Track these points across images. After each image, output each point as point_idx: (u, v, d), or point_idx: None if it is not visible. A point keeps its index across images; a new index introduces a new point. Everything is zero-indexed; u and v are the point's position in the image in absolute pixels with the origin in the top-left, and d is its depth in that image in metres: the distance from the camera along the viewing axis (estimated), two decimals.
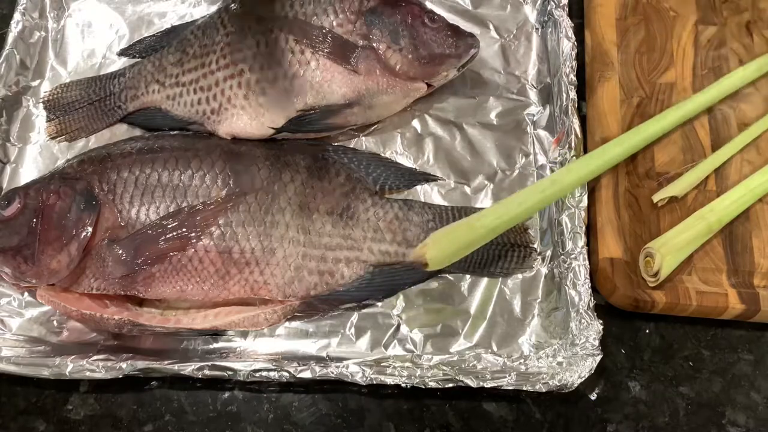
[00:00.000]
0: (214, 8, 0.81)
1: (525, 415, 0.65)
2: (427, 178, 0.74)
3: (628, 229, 0.70)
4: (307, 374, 0.63)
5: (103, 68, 0.81)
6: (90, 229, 0.64)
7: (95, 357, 0.64)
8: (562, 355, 0.65)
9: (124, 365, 0.63)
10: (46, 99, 0.78)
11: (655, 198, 0.71)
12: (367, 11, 0.72)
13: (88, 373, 0.63)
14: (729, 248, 0.70)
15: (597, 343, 0.64)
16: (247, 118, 0.72)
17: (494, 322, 0.68)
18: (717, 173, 0.74)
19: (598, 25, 0.80)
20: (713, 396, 0.67)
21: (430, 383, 0.63)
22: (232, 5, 0.76)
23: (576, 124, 0.72)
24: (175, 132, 0.75)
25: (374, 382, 0.63)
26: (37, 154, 0.77)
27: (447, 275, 0.70)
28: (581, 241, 0.68)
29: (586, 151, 0.73)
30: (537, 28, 0.82)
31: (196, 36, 0.75)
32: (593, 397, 0.66)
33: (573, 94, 0.74)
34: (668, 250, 0.67)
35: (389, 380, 0.63)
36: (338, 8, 0.72)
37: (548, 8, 0.80)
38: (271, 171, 0.69)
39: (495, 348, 0.67)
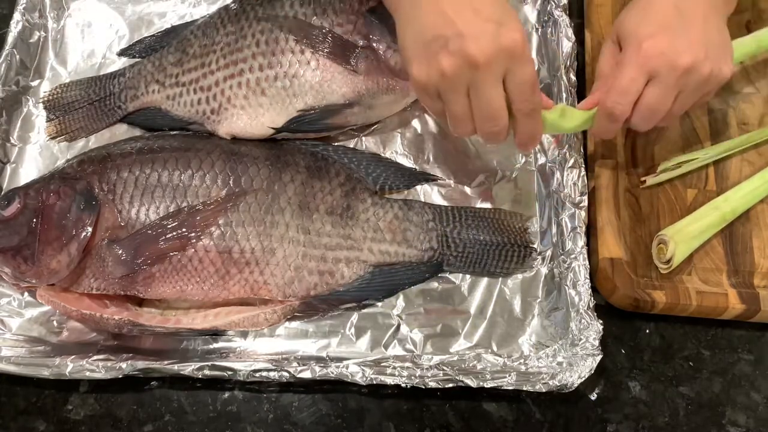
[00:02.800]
0: (214, 8, 0.81)
1: (525, 415, 0.65)
2: (427, 178, 0.74)
3: (628, 229, 0.70)
4: (307, 374, 0.63)
5: (103, 68, 0.81)
6: (90, 229, 0.64)
7: (95, 357, 0.64)
8: (562, 355, 0.65)
9: (124, 365, 0.63)
10: (46, 99, 0.78)
11: (649, 181, 0.72)
12: (367, 11, 0.72)
13: (88, 373, 0.63)
14: (729, 248, 0.70)
15: (597, 343, 0.64)
16: (247, 118, 0.72)
17: (494, 322, 0.68)
18: (717, 173, 0.74)
19: (598, 25, 0.80)
20: (713, 396, 0.66)
21: (430, 383, 0.63)
22: (232, 5, 0.76)
23: None
24: (175, 132, 0.75)
25: (374, 382, 0.63)
26: (37, 154, 0.76)
27: (447, 275, 0.70)
28: (581, 241, 0.68)
29: (586, 151, 0.73)
30: (537, 28, 0.82)
31: (196, 36, 0.75)
32: (593, 397, 0.66)
33: (573, 94, 0.74)
34: (682, 237, 0.67)
35: (389, 380, 0.63)
36: (338, 8, 0.72)
37: (548, 8, 0.80)
38: (271, 171, 0.69)
39: (495, 348, 0.67)
